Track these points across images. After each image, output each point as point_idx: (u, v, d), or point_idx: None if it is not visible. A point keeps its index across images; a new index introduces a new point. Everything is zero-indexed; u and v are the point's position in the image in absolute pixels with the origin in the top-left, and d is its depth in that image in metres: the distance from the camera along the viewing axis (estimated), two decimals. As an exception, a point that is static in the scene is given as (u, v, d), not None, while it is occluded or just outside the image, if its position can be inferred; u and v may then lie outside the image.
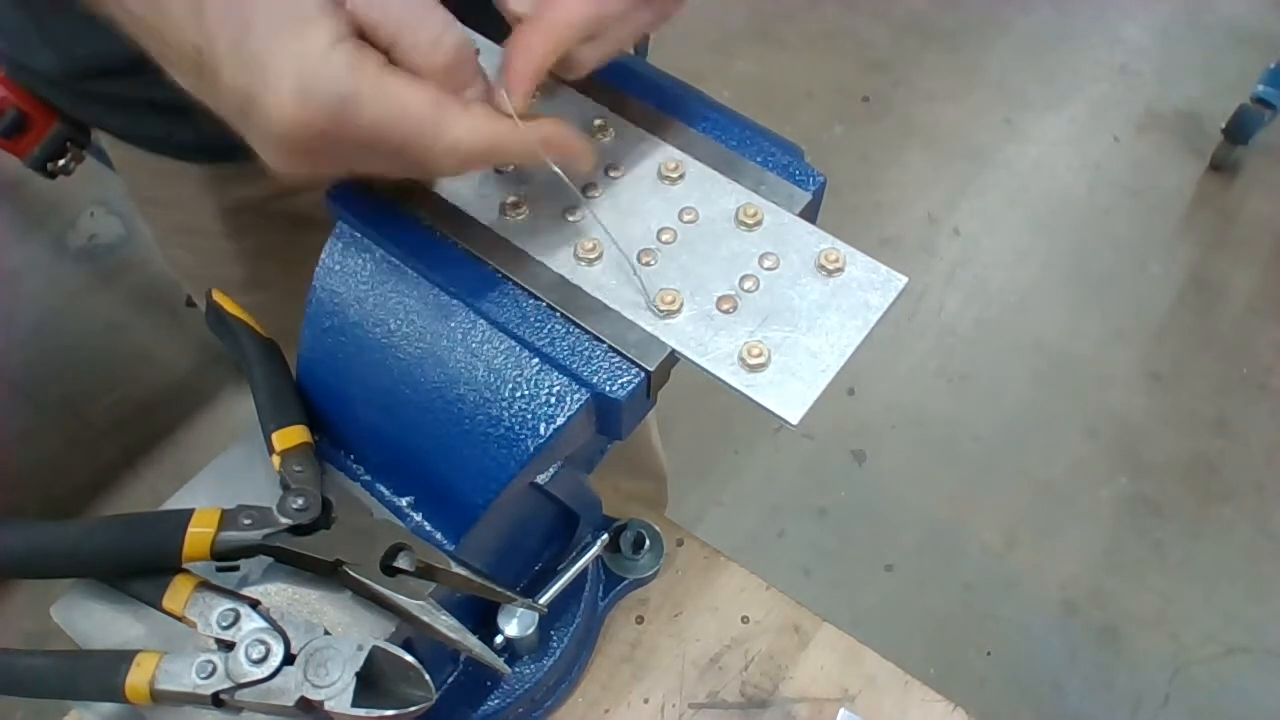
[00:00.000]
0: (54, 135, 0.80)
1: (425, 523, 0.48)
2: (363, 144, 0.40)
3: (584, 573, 0.60)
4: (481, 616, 0.56)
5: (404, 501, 0.49)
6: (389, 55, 0.40)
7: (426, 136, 0.40)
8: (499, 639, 0.56)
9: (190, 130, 0.58)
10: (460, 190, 0.49)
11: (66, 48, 0.63)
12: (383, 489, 0.49)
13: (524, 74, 0.44)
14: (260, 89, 0.38)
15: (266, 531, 0.44)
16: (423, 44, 0.40)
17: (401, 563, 0.44)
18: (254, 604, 0.44)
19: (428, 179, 0.48)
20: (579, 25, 0.44)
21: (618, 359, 0.45)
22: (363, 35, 0.40)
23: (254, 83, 0.38)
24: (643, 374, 0.45)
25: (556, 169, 0.44)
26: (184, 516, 0.44)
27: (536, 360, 0.45)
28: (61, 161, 0.84)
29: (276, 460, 0.47)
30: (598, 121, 0.52)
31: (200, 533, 0.44)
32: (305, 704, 0.42)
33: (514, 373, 0.45)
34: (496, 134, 0.41)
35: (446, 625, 0.44)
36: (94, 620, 0.46)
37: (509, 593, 0.46)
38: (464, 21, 0.55)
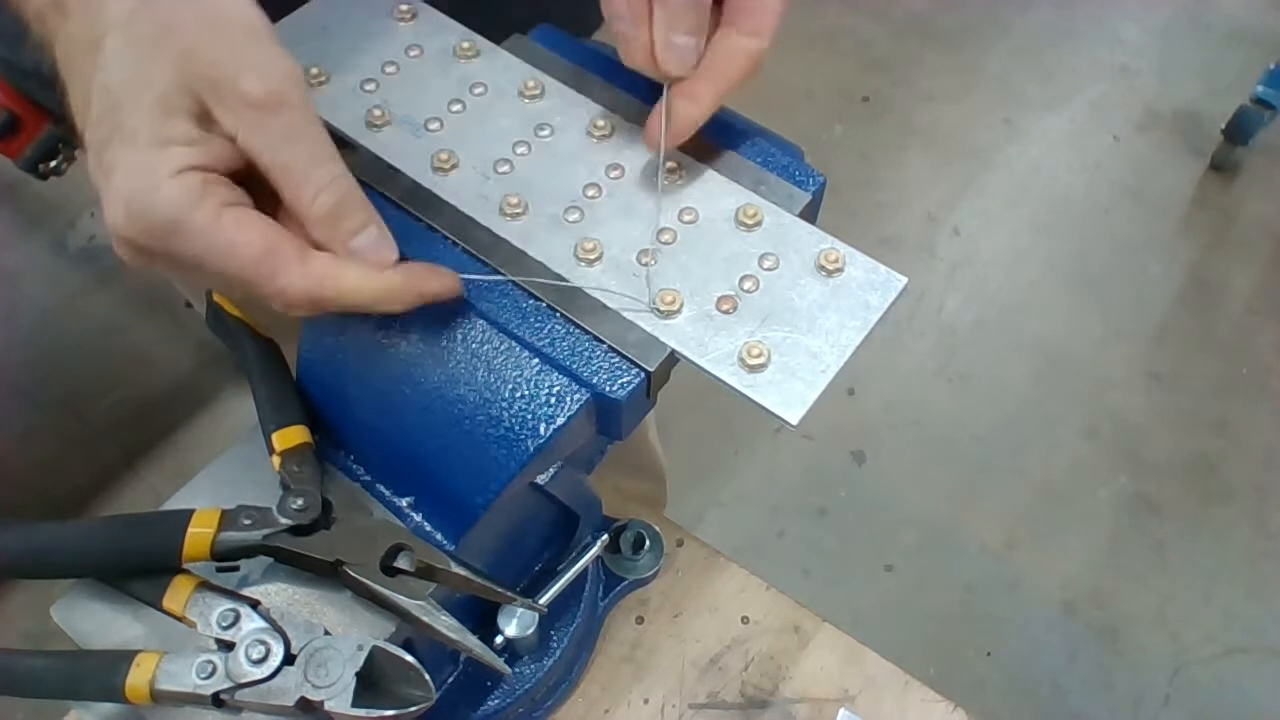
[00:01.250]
0: (46, 137, 0.80)
1: (425, 523, 0.48)
2: (191, 268, 0.40)
3: (584, 573, 0.60)
4: (481, 617, 0.56)
5: (404, 502, 0.49)
6: (272, 194, 0.41)
7: (251, 281, 0.40)
8: (499, 639, 0.56)
9: None
10: (460, 191, 0.50)
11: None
12: (383, 489, 0.49)
13: (687, 127, 0.47)
14: (103, 190, 0.39)
15: (266, 532, 0.44)
16: (305, 194, 0.40)
17: (401, 563, 0.44)
18: (254, 604, 0.44)
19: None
20: (749, 72, 0.47)
21: (618, 359, 0.45)
22: (245, 171, 0.40)
23: (102, 181, 0.39)
24: (643, 374, 0.45)
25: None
26: (184, 517, 0.44)
27: (536, 360, 0.45)
28: (53, 163, 0.84)
29: (276, 460, 0.47)
30: (599, 122, 0.52)
31: (200, 533, 0.44)
32: (305, 704, 0.42)
33: (514, 373, 0.45)
34: (330, 288, 0.40)
35: (446, 625, 0.44)
36: (94, 620, 0.46)
37: (509, 593, 0.46)
38: (464, 22, 0.56)
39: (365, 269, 0.41)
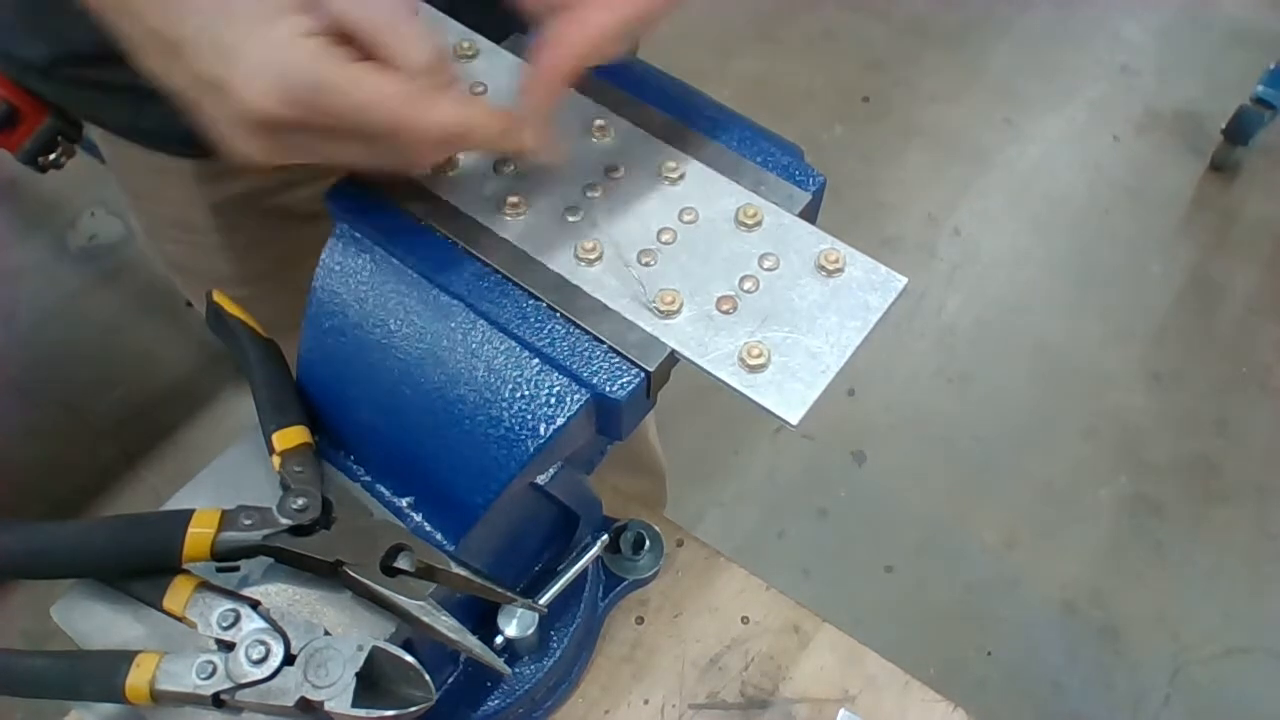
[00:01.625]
0: (45, 129, 0.80)
1: (425, 523, 0.48)
2: (338, 131, 0.41)
3: (584, 573, 0.60)
4: (481, 617, 0.56)
5: (404, 502, 0.49)
6: (369, 56, 0.41)
7: (406, 119, 0.40)
8: (499, 639, 0.56)
9: (185, 121, 0.58)
10: (460, 190, 0.50)
11: (59, 34, 0.63)
12: (383, 489, 0.49)
13: (557, 70, 0.44)
14: (231, 75, 0.39)
15: (267, 532, 0.44)
16: (402, 45, 0.41)
17: (401, 563, 0.44)
18: (254, 604, 0.44)
19: (402, 168, 0.48)
20: (622, 25, 0.44)
21: (618, 359, 0.45)
22: (343, 37, 0.40)
23: (226, 69, 0.39)
24: (643, 374, 0.45)
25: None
26: (184, 517, 0.44)
27: (536, 360, 0.45)
28: (53, 155, 0.83)
29: (276, 460, 0.47)
30: (598, 122, 0.52)
31: (200, 533, 0.44)
32: (305, 704, 0.42)
33: (514, 373, 0.45)
34: (475, 115, 0.42)
35: (446, 626, 0.44)
36: (94, 621, 0.46)
37: (509, 593, 0.46)
38: (463, 21, 0.56)
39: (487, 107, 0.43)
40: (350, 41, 0.41)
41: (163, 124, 0.66)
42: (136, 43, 0.43)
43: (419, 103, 0.40)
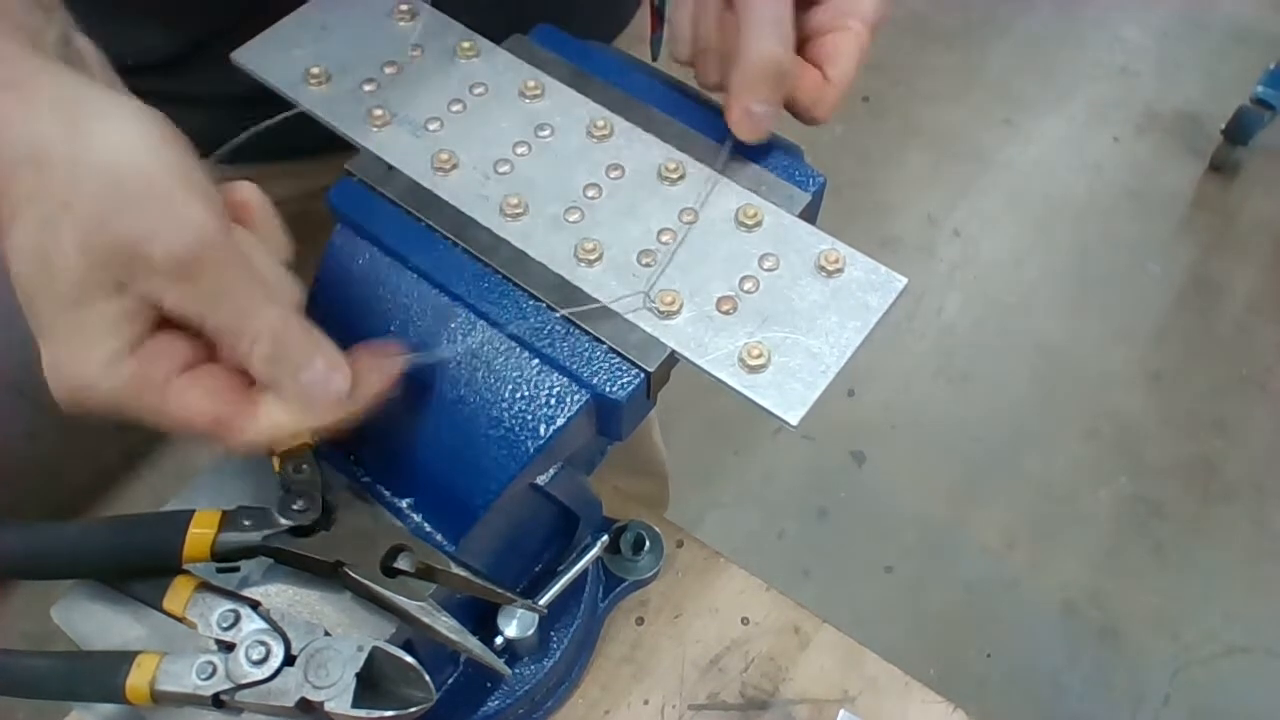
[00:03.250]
0: None
1: (425, 524, 0.48)
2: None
3: (584, 574, 0.60)
4: (481, 618, 0.56)
5: (404, 502, 0.49)
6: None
7: (219, 437, 0.40)
8: (499, 640, 0.56)
9: (235, 129, 0.59)
10: (460, 190, 0.50)
11: (104, 44, 0.63)
12: (383, 490, 0.49)
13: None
14: (42, 355, 0.38)
15: (267, 533, 0.44)
16: (242, 346, 0.39)
17: (402, 564, 0.44)
18: (254, 605, 0.44)
19: None
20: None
21: (618, 360, 0.45)
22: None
23: (40, 344, 0.38)
24: (642, 375, 0.45)
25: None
26: (184, 517, 0.44)
27: (536, 361, 0.45)
28: None
29: (276, 461, 0.47)
30: (599, 122, 0.52)
31: (200, 534, 0.44)
32: (305, 705, 0.42)
33: (514, 373, 0.45)
34: (286, 429, 0.40)
35: (447, 626, 0.44)
36: (94, 621, 0.46)
37: (509, 594, 0.46)
38: (464, 21, 0.56)
39: (313, 403, 0.40)
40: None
41: (188, 129, 0.67)
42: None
43: (233, 421, 0.39)
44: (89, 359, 0.37)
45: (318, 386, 0.40)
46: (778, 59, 0.46)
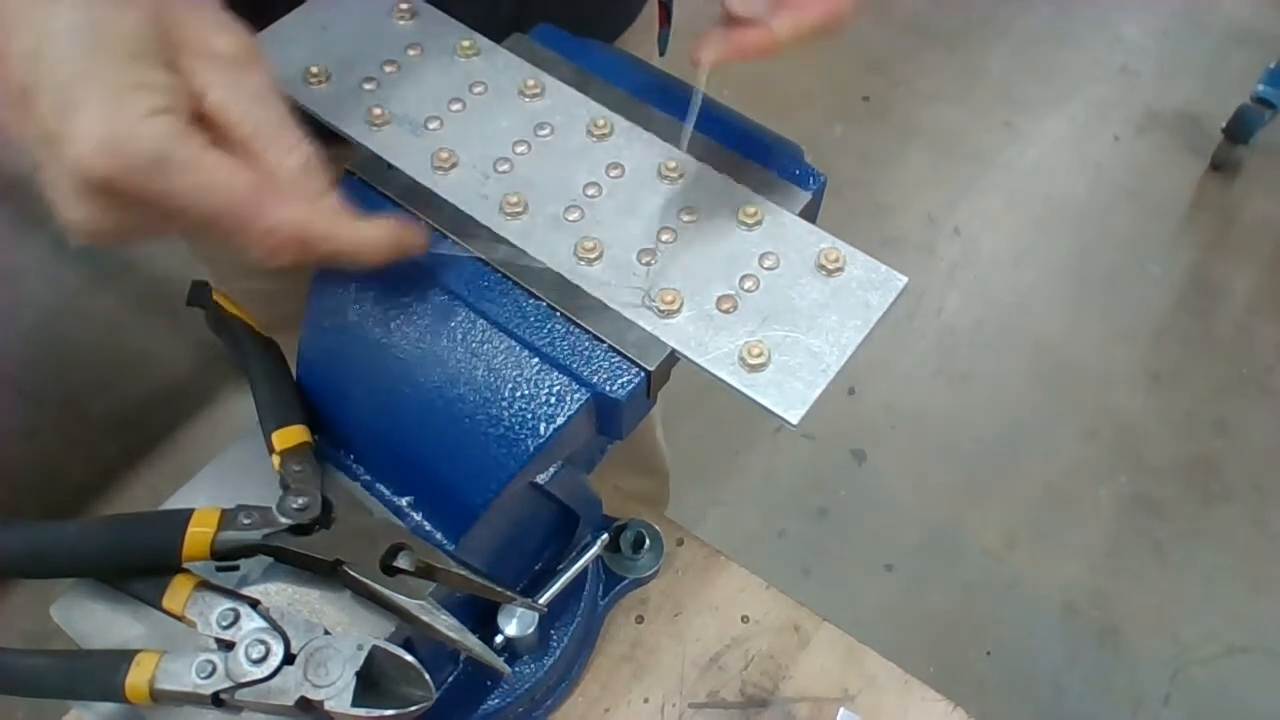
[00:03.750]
0: None
1: (425, 522, 0.48)
2: (168, 209, 0.38)
3: (584, 572, 0.60)
4: (481, 616, 0.56)
5: (404, 501, 0.49)
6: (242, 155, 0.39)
7: (239, 218, 0.38)
8: (499, 639, 0.56)
9: None
10: (460, 190, 0.50)
11: None
12: (383, 489, 0.49)
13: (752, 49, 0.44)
14: (68, 128, 0.36)
15: (266, 531, 0.44)
16: (278, 149, 0.39)
17: (401, 562, 0.44)
18: (254, 604, 0.44)
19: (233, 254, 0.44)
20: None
21: (618, 359, 0.45)
22: (206, 125, 0.39)
23: (64, 122, 0.37)
24: (643, 374, 0.45)
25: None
26: (184, 516, 0.44)
27: (536, 360, 0.45)
28: None
29: (276, 460, 0.47)
30: (599, 121, 0.52)
31: (200, 532, 0.44)
32: (305, 704, 0.42)
33: (514, 373, 0.45)
34: (320, 226, 0.40)
35: (446, 625, 0.44)
36: (94, 620, 0.46)
37: (509, 592, 0.46)
38: (464, 21, 0.56)
39: (348, 216, 0.41)
40: (213, 132, 0.39)
41: None
42: None
43: (266, 198, 0.38)
44: (137, 105, 0.37)
45: (341, 210, 0.41)
46: None
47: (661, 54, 0.82)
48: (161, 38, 0.38)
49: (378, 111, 0.51)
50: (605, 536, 0.61)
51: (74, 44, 0.37)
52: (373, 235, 0.42)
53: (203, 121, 0.39)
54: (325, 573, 0.45)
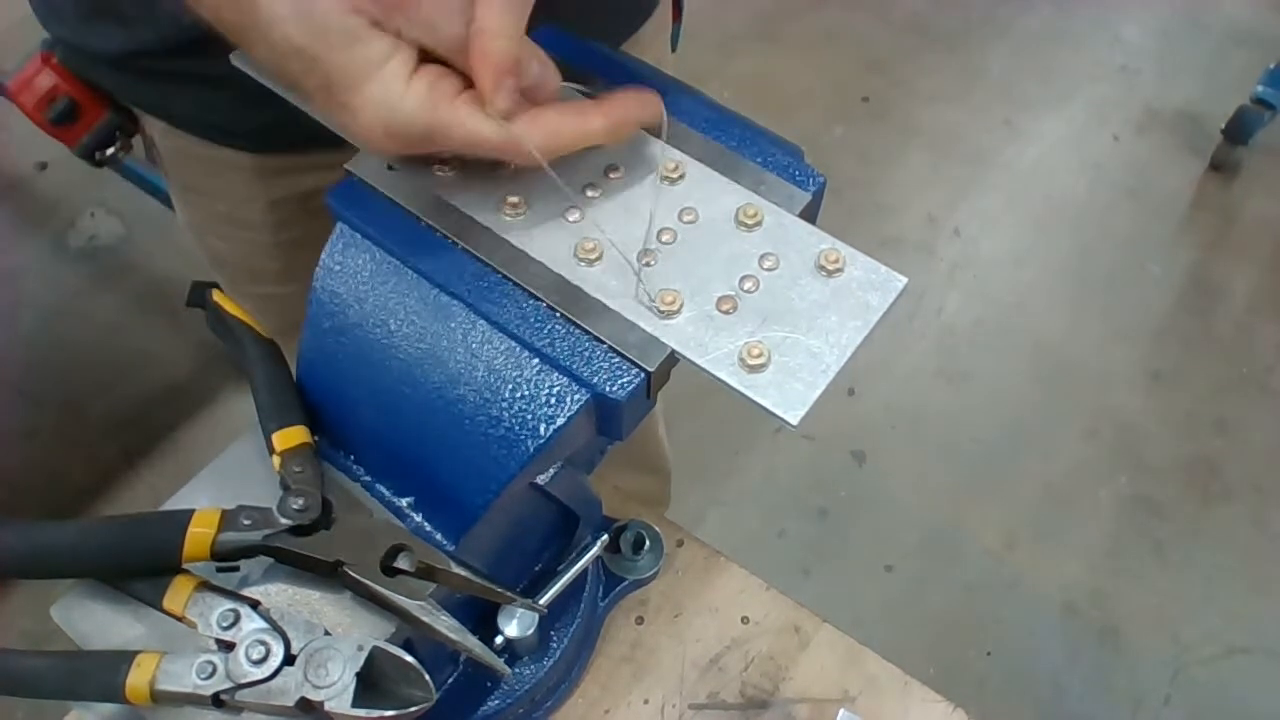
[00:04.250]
0: (104, 124, 0.79)
1: (425, 523, 0.48)
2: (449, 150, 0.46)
3: (584, 573, 0.60)
4: (481, 617, 0.56)
5: (404, 502, 0.49)
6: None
7: (504, 152, 0.45)
8: (499, 639, 0.56)
9: (254, 116, 0.60)
10: (460, 190, 0.50)
11: (137, 24, 0.63)
12: (383, 489, 0.49)
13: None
14: (352, 126, 0.44)
15: (266, 532, 0.44)
16: (474, 59, 0.43)
17: (401, 563, 0.44)
18: (254, 604, 0.44)
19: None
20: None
21: (618, 359, 0.45)
22: (425, 54, 0.44)
23: (345, 120, 0.44)
24: (643, 374, 0.45)
25: (552, 174, 0.46)
26: (184, 517, 0.44)
27: (536, 360, 0.45)
28: (110, 150, 0.83)
29: (276, 461, 0.47)
30: (598, 122, 0.52)
31: (200, 533, 0.44)
32: (305, 704, 0.42)
33: (514, 373, 0.45)
34: (564, 139, 0.45)
35: (446, 626, 0.44)
36: (94, 620, 0.46)
37: (509, 593, 0.46)
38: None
39: (575, 111, 0.46)
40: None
41: (231, 117, 0.67)
42: (266, 59, 0.45)
43: (515, 138, 0.44)
44: (385, 82, 0.43)
45: (545, 75, 0.46)
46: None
47: (673, 50, 0.82)
48: (361, 6, 0.42)
49: (378, 112, 0.51)
50: (605, 537, 0.61)
51: (310, 53, 0.43)
52: (614, 125, 0.47)
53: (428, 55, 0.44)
54: (325, 573, 0.45)
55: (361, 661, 0.42)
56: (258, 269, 0.79)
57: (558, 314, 0.46)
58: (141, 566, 0.45)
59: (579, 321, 0.46)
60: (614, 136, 0.47)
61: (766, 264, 0.47)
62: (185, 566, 0.44)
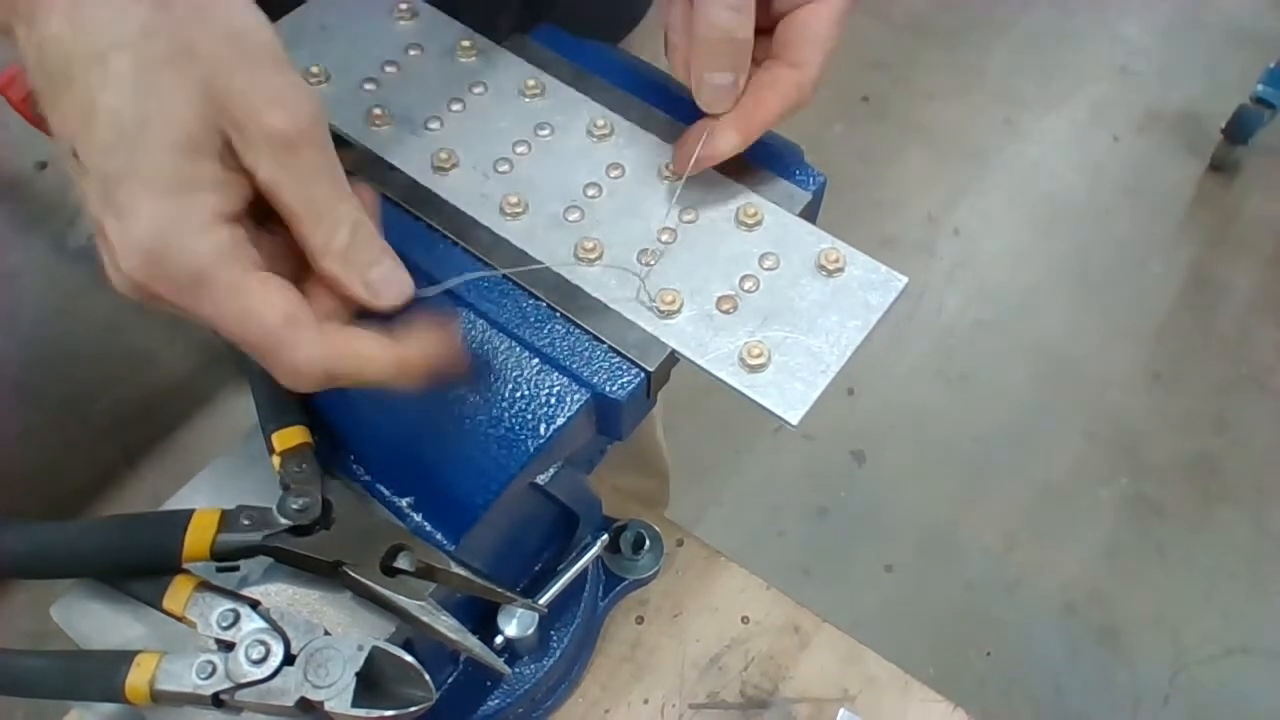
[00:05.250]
0: None
1: (425, 523, 0.48)
2: (201, 322, 0.38)
3: (584, 573, 0.60)
4: (481, 617, 0.56)
5: (404, 502, 0.49)
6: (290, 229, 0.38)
7: (266, 349, 0.37)
8: (499, 639, 0.55)
9: None
10: (460, 190, 0.50)
11: None
12: (383, 489, 0.49)
13: (714, 157, 0.47)
14: (112, 231, 0.35)
15: (266, 532, 0.44)
16: (323, 230, 0.38)
17: (401, 563, 0.44)
18: (254, 604, 0.44)
19: None
20: (791, 104, 0.48)
21: (618, 359, 0.45)
22: (262, 202, 0.38)
23: (109, 222, 0.35)
24: (643, 374, 0.45)
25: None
26: (184, 517, 0.44)
27: (536, 360, 0.45)
28: None
29: (276, 461, 0.47)
30: (599, 122, 0.52)
31: (200, 533, 0.43)
32: (305, 704, 0.42)
33: (514, 373, 0.45)
34: (348, 358, 0.39)
35: (447, 625, 0.44)
36: (94, 620, 0.46)
37: (509, 593, 0.46)
38: (464, 21, 0.56)
39: (382, 339, 0.39)
40: (271, 215, 0.38)
41: None
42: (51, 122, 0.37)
43: (298, 335, 0.37)
44: (189, 212, 0.35)
45: (386, 284, 0.40)
46: (728, 26, 0.45)
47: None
48: (212, 120, 0.36)
49: (378, 112, 0.51)
50: (605, 537, 0.61)
51: (121, 134, 0.35)
52: (410, 357, 0.40)
53: (256, 201, 0.38)
54: (325, 573, 0.45)
55: (361, 661, 0.42)
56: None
57: (558, 314, 0.46)
58: (141, 566, 0.45)
59: (579, 321, 0.46)
60: (391, 381, 0.40)
61: (766, 264, 0.47)
62: (185, 566, 0.44)
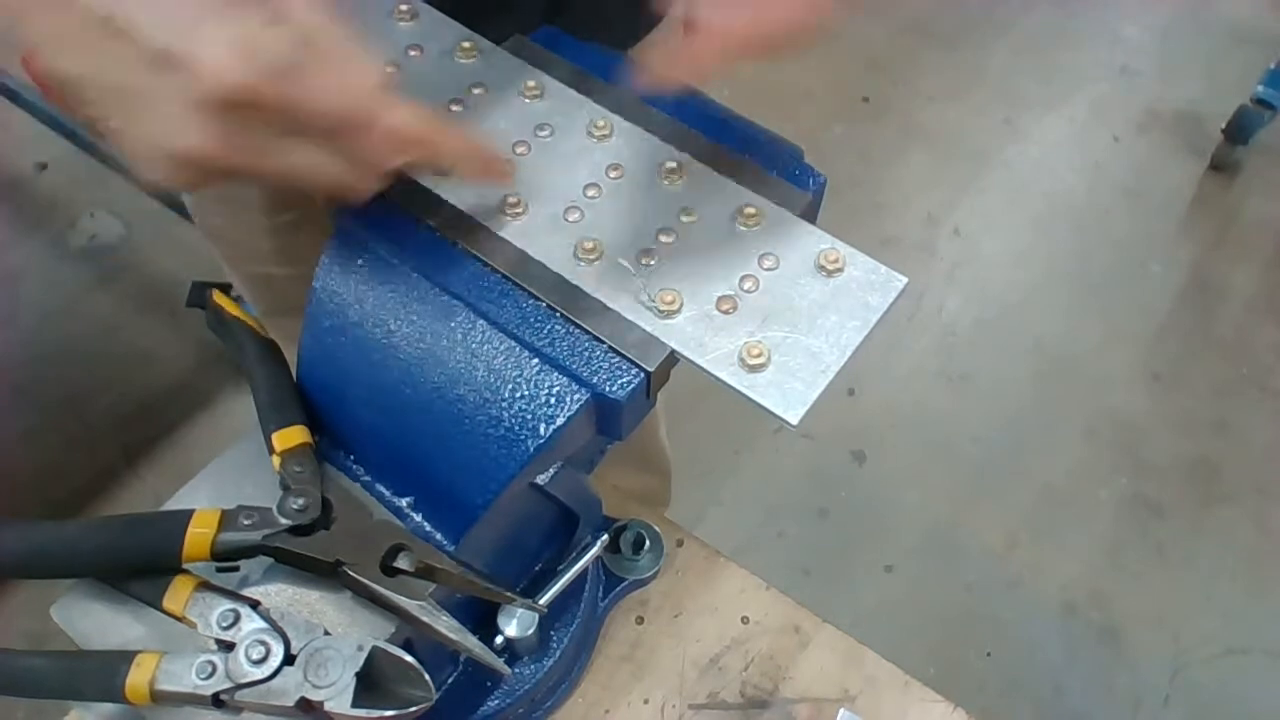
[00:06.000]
0: None
1: (425, 523, 0.48)
2: (299, 116, 0.38)
3: (584, 573, 0.60)
4: (481, 617, 0.56)
5: (404, 502, 0.49)
6: None
7: (372, 113, 0.39)
8: (499, 639, 0.56)
9: None
10: (460, 190, 0.50)
11: None
12: (383, 489, 0.49)
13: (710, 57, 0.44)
14: (195, 46, 0.35)
15: (266, 532, 0.44)
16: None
17: (401, 563, 0.44)
18: (254, 604, 0.44)
19: (349, 181, 0.43)
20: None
21: (618, 359, 0.45)
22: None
23: (187, 41, 0.35)
24: (642, 374, 0.45)
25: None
26: (184, 517, 0.44)
27: (536, 360, 0.45)
28: None
29: (276, 460, 0.47)
30: (599, 122, 0.52)
31: (200, 533, 0.44)
32: (305, 704, 0.42)
33: (514, 373, 0.45)
34: (430, 132, 0.41)
35: (446, 626, 0.44)
36: (94, 620, 0.46)
37: (509, 593, 0.46)
38: (463, 22, 0.56)
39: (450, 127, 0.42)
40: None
41: None
42: (52, 34, 0.37)
43: (392, 100, 0.40)
44: (250, 18, 0.36)
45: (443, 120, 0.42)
46: None
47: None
48: None
49: (378, 112, 0.51)
50: (605, 537, 0.61)
51: None
52: (470, 152, 0.44)
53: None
54: (325, 573, 0.45)
55: (361, 661, 0.42)
56: (254, 248, 0.79)
57: (558, 314, 0.46)
58: (141, 566, 0.45)
59: (579, 321, 0.46)
60: (462, 154, 0.44)
61: (766, 264, 0.47)
62: (185, 566, 0.44)
